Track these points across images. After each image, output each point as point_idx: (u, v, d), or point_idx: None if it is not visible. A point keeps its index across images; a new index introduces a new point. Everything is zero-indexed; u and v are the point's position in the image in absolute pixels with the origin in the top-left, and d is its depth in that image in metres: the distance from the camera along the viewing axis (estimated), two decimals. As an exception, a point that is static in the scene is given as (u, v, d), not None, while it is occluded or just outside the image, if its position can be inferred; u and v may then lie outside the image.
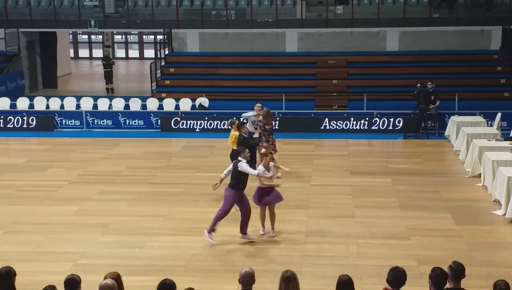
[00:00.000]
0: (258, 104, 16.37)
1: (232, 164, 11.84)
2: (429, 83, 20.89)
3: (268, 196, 11.84)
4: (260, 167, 11.87)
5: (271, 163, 12.09)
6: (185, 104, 22.88)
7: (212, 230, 11.73)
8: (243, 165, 11.53)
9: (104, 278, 6.93)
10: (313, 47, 26.24)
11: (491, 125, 19.18)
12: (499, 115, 18.69)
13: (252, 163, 13.49)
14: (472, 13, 25.97)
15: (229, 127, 14.29)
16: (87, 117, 22.16)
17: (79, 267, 10.73)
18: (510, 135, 16.70)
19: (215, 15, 27.28)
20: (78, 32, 39.45)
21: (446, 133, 19.90)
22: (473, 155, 16.15)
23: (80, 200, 14.44)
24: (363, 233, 12.27)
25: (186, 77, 25.74)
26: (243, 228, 11.85)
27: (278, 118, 21.22)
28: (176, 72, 26.29)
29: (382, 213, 13.44)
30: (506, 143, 15.95)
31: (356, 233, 12.26)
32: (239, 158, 11.71)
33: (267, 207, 11.99)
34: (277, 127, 20.83)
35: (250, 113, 16.60)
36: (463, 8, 26.12)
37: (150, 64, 26.47)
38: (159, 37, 33.42)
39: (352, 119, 21.20)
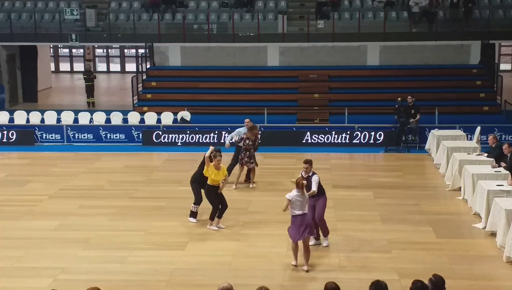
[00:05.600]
0: (246, 120, 16.86)
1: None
2: (409, 97, 21.03)
3: (301, 227, 11.00)
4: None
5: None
6: (167, 118, 22.86)
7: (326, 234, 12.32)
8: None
9: (84, 294, 6.88)
10: (295, 61, 26.38)
11: (471, 139, 19.33)
12: (478, 129, 18.86)
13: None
14: (451, 28, 26.29)
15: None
16: (68, 131, 22.03)
17: (59, 282, 10.64)
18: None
19: (196, 29, 27.33)
20: (59, 45, 39.31)
21: (426, 147, 20.06)
22: (453, 169, 16.27)
23: (61, 215, 14.33)
24: (345, 247, 12.29)
25: (167, 91, 25.72)
26: None
27: (260, 132, 21.24)
28: (157, 86, 26.27)
29: (364, 226, 13.48)
30: (485, 157, 16.08)
31: (338, 247, 12.28)
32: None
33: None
34: (259, 141, 20.87)
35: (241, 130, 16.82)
36: (442, 23, 26.41)
37: (132, 78, 26.42)
38: (141, 51, 33.38)
39: (333, 132, 21.29)
